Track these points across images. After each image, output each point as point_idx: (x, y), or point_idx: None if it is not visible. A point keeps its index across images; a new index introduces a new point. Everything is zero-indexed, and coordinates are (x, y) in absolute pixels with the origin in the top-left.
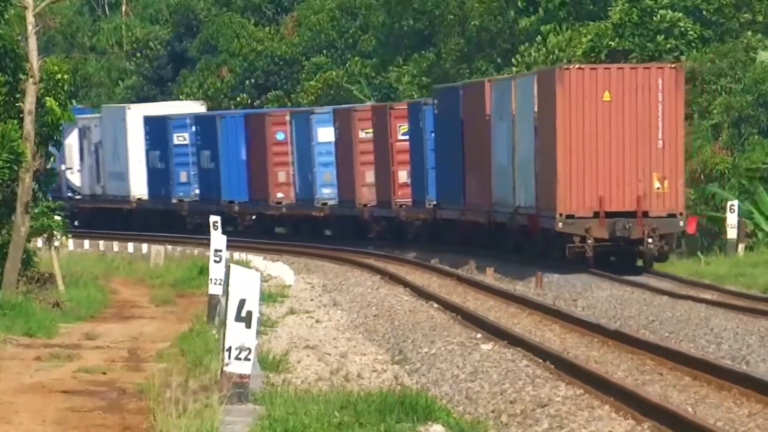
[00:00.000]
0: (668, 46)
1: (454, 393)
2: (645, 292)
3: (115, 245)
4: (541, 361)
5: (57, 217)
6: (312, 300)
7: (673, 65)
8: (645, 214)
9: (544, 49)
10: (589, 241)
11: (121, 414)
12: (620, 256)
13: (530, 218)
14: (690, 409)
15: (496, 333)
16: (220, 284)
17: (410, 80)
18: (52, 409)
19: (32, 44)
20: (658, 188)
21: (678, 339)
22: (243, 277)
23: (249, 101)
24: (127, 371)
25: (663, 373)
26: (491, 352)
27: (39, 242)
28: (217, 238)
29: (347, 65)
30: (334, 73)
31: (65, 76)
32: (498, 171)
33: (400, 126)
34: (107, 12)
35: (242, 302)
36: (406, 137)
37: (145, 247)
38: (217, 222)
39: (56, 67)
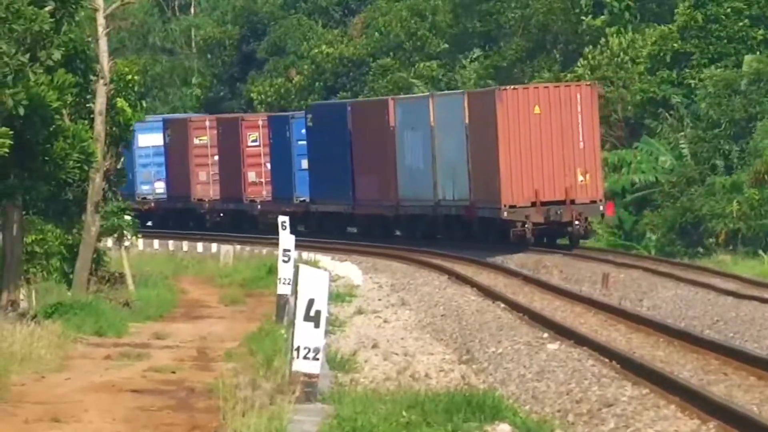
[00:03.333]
0: (731, 49)
1: (521, 392)
2: (710, 293)
3: (185, 245)
4: (607, 360)
5: (127, 217)
6: (380, 299)
7: (588, 83)
8: (572, 202)
9: (608, 51)
10: (527, 226)
11: (190, 413)
12: (552, 235)
13: (466, 209)
14: (755, 409)
15: (563, 333)
16: (288, 284)
17: (476, 80)
18: (121, 408)
19: (102, 45)
20: (581, 180)
21: (743, 339)
22: (312, 276)
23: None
24: (196, 370)
25: (728, 373)
26: (558, 351)
27: (109, 242)
28: (286, 238)
29: (415, 67)
30: (404, 74)
31: (135, 77)
32: (407, 172)
33: (250, 134)
34: (177, 13)
35: (311, 302)
36: (256, 144)
37: (214, 246)
38: (285, 222)
39: (126, 69)
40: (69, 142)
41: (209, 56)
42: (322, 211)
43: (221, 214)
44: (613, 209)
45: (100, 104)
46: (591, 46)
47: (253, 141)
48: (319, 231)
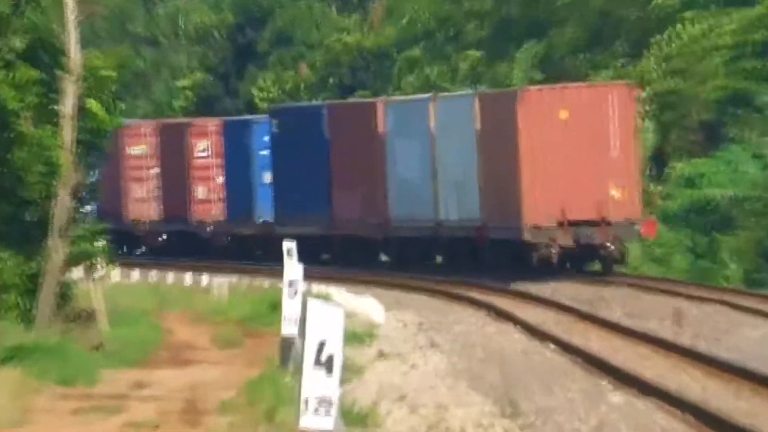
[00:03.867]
0: None
1: None
2: None
3: (170, 275)
4: (678, 413)
5: (100, 242)
6: (405, 341)
7: (624, 83)
8: (605, 221)
9: (681, 39)
10: (553, 249)
11: None
12: (579, 260)
13: (476, 230)
14: None
15: (626, 379)
16: (295, 322)
17: (521, 75)
18: None
19: (72, 34)
20: (616, 196)
21: None
22: (323, 313)
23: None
24: (184, 426)
25: None
26: (620, 402)
27: (78, 272)
28: (292, 268)
29: (450, 60)
30: (435, 69)
31: (111, 73)
32: (400, 187)
33: (197, 143)
34: None
35: (322, 344)
36: (206, 154)
37: (205, 277)
38: (291, 249)
39: (100, 62)
40: (31, 151)
41: (200, 48)
42: (290, 234)
43: (162, 237)
44: (655, 229)
45: (68, 105)
46: (660, 35)
47: (202, 151)
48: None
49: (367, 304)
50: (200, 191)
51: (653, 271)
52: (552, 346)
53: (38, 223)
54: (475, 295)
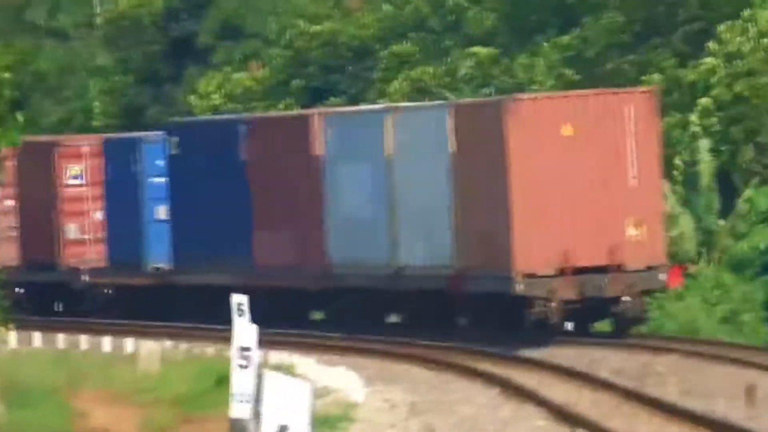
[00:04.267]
0: None
1: None
2: None
3: (83, 340)
4: None
5: None
6: (393, 427)
7: (644, 90)
8: (620, 268)
9: (753, 29)
10: (553, 304)
11: None
12: (585, 318)
13: (451, 279)
14: None
15: None
16: (248, 402)
17: (542, 77)
18: None
19: None
20: (633, 235)
21: None
22: (285, 390)
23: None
24: None
25: None
26: None
27: None
28: (244, 331)
29: (448, 58)
30: (430, 70)
31: (5, 75)
32: (344, 224)
33: (69, 168)
34: None
35: (283, 430)
36: (80, 181)
37: (129, 343)
38: (243, 304)
39: None
40: None
41: (122, 43)
42: (195, 285)
43: (20, 289)
44: (680, 278)
45: None
46: (727, 23)
47: (74, 177)
48: (187, 315)
49: (342, 378)
50: (72, 229)
51: (717, 333)
52: None
53: None
54: (487, 366)
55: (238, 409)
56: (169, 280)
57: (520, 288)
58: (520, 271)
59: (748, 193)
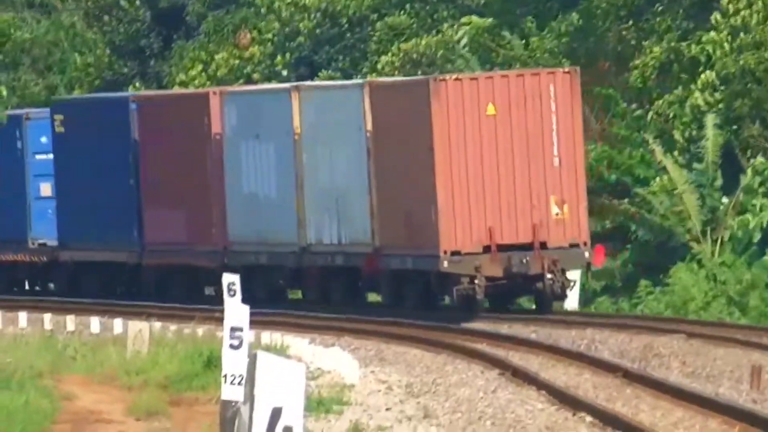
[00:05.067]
0: None
1: None
2: None
3: (69, 321)
4: None
5: None
6: (388, 409)
7: (566, 70)
8: (543, 246)
9: (760, 1)
10: (478, 282)
11: None
12: (508, 294)
13: (368, 258)
14: None
15: None
16: (240, 384)
17: (543, 53)
18: None
19: None
20: (556, 214)
21: None
22: (278, 372)
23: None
24: None
25: None
26: None
27: None
28: (235, 310)
29: (443, 29)
30: (422, 41)
31: None
32: (246, 203)
33: None
34: None
35: (276, 413)
36: None
37: (118, 324)
38: (233, 283)
39: None
40: None
41: (106, 18)
42: (82, 261)
43: None
44: (604, 256)
45: None
46: None
47: None
48: (75, 291)
49: (336, 359)
50: None
51: (721, 313)
52: (588, 418)
53: None
54: (485, 347)
55: (230, 391)
56: (54, 256)
57: (445, 265)
58: (446, 248)
59: (758, 161)
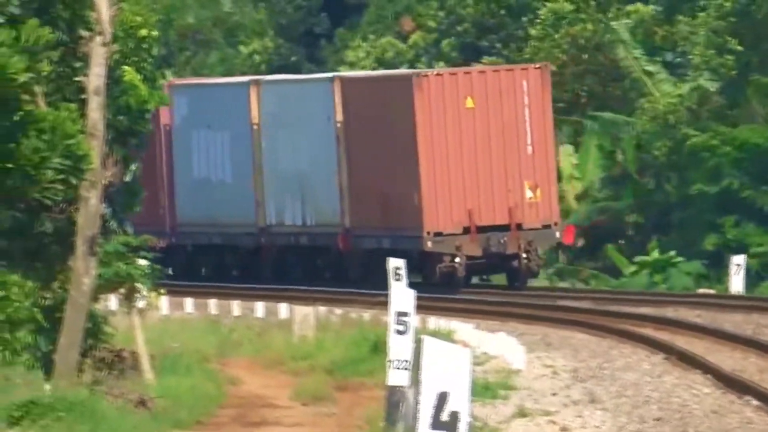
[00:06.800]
0: None
1: None
2: None
3: (236, 306)
4: None
5: (142, 262)
6: (554, 394)
7: (537, 66)
8: (519, 227)
9: None
10: (459, 260)
11: None
12: (484, 271)
13: (342, 237)
14: None
15: None
16: (406, 369)
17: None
18: None
19: None
20: (530, 198)
21: None
22: (444, 357)
23: None
24: None
25: None
26: None
27: (113, 302)
28: (401, 295)
29: (607, 12)
30: (589, 26)
31: (153, 32)
32: (197, 186)
33: None
34: None
35: (443, 398)
36: None
37: (283, 308)
38: (400, 268)
39: (140, 19)
40: (46, 138)
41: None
42: None
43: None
44: (573, 235)
45: (96, 77)
46: None
47: None
48: None
49: (503, 344)
50: None
51: None
52: (754, 402)
53: (58, 235)
54: (650, 331)
55: (396, 376)
56: None
57: (429, 245)
58: (429, 230)
59: None
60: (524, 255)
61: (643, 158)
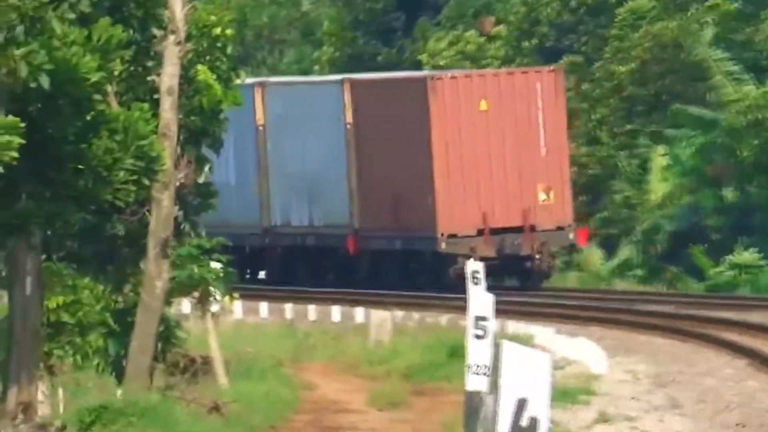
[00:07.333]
0: None
1: None
2: None
3: (311, 310)
4: None
5: (215, 265)
6: (635, 399)
7: (551, 69)
8: (532, 229)
9: None
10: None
11: None
12: (498, 273)
13: (350, 238)
14: None
15: None
16: (485, 374)
17: None
18: None
19: None
20: (543, 200)
21: None
22: (523, 362)
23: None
24: None
25: None
26: None
27: (186, 306)
28: (480, 299)
29: (686, 15)
30: (670, 25)
31: (228, 32)
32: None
33: None
34: None
35: (522, 404)
36: None
37: (359, 313)
38: (478, 272)
39: (214, 17)
40: (118, 139)
41: None
42: None
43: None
44: (587, 237)
45: (169, 77)
46: None
47: None
48: None
49: (583, 349)
50: None
51: None
52: None
53: (129, 238)
54: (733, 336)
55: (475, 382)
56: None
57: (443, 247)
58: (444, 231)
59: None
60: (537, 256)
61: (727, 160)
